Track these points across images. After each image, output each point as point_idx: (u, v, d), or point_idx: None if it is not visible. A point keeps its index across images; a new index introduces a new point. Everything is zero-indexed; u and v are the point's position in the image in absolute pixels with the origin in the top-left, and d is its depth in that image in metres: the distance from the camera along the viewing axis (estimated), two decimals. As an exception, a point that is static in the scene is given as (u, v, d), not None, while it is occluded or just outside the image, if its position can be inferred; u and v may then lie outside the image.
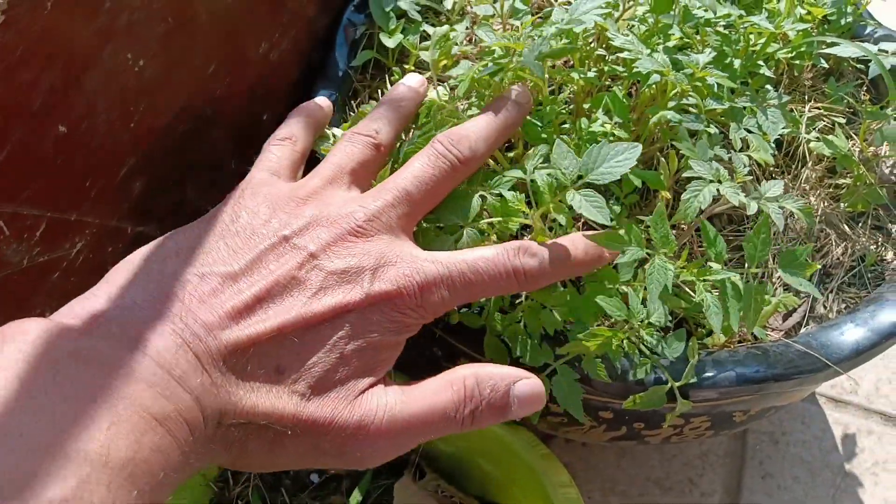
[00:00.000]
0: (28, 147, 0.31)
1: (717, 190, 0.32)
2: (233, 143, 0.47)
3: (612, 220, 0.31)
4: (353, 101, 0.50)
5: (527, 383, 0.32)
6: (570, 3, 0.45)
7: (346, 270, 0.31)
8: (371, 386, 0.31)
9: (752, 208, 0.32)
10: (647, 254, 0.32)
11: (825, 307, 0.43)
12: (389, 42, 0.49)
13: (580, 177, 0.33)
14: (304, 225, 0.32)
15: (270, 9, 0.46)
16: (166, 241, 0.32)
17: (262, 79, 0.48)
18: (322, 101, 0.43)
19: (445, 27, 0.44)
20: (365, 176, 0.37)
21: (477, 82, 0.40)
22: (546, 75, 0.40)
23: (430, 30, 0.48)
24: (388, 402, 0.31)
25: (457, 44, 0.43)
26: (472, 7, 0.52)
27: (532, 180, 0.33)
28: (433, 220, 0.36)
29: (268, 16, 0.46)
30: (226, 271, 0.30)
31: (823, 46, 0.45)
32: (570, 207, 0.32)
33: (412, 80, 0.42)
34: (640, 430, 0.43)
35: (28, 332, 0.25)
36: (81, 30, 0.32)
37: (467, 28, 0.50)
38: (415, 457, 0.51)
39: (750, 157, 0.38)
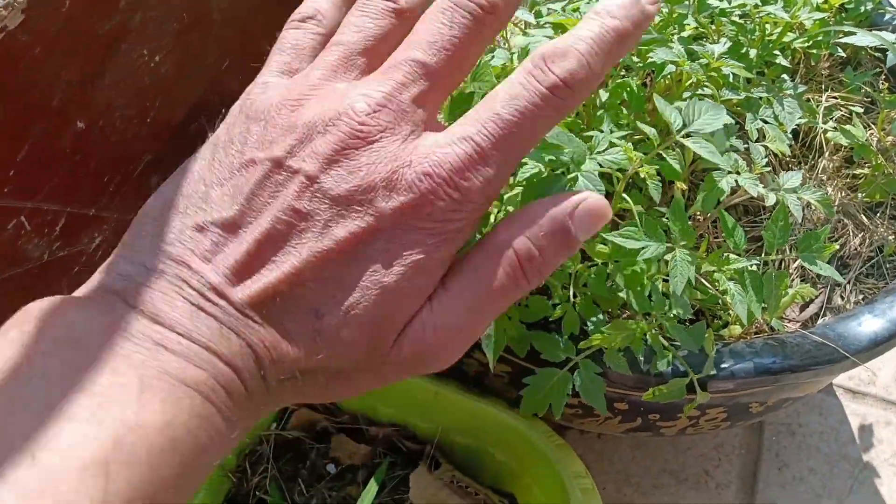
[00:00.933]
0: (47, 143, 0.32)
1: (735, 181, 0.32)
2: (247, 137, 0.47)
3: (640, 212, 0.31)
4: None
5: (584, 210, 0.26)
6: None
7: (354, 191, 0.25)
8: (421, 307, 0.27)
9: (771, 200, 0.32)
10: (668, 247, 0.32)
11: (842, 298, 0.43)
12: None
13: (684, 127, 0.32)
14: (297, 139, 0.26)
15: (280, 4, 0.46)
16: (168, 190, 0.28)
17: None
18: None
19: None
20: (387, 54, 0.29)
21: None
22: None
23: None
24: (434, 316, 0.26)
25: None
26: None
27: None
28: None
29: (276, 9, 0.46)
30: (223, 218, 0.26)
31: (840, 36, 0.45)
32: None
33: None
34: (656, 421, 0.43)
35: (61, 313, 0.23)
36: (98, 27, 0.32)
37: None
38: (430, 448, 0.51)
39: (766, 148, 0.37)
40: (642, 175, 0.32)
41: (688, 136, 0.31)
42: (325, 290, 0.26)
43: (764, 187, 0.34)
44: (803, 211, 0.37)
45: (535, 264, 0.26)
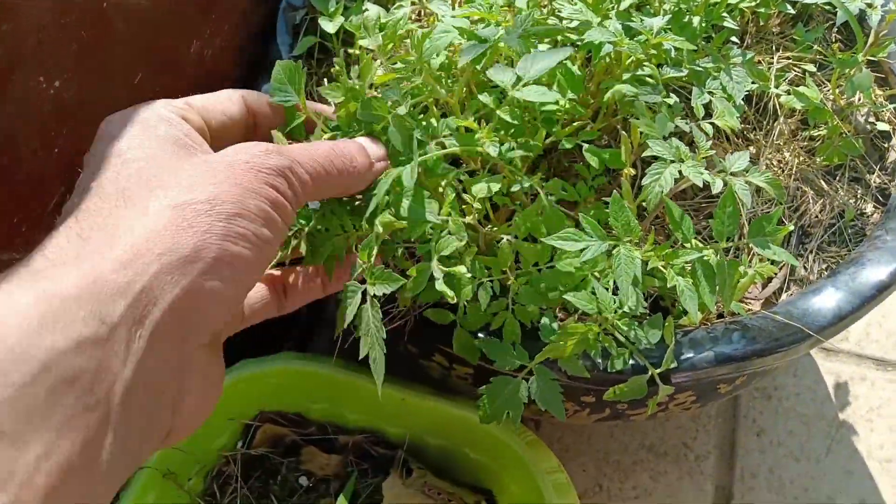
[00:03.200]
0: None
1: (679, 171, 0.30)
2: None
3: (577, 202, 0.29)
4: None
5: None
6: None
7: None
8: None
9: (718, 186, 0.30)
10: (611, 244, 0.30)
11: (805, 269, 0.42)
12: (329, 27, 0.46)
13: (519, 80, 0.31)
14: None
15: (197, 7, 0.43)
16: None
17: (198, 79, 0.45)
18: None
19: (401, 12, 0.40)
20: None
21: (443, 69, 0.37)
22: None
23: (372, 10, 0.45)
24: None
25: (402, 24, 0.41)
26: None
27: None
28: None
29: (195, 14, 0.43)
30: None
31: (788, -7, 0.43)
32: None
33: None
34: (624, 410, 0.42)
35: None
36: (-18, 59, 0.30)
37: (413, 3, 0.48)
38: (401, 453, 0.50)
39: (714, 125, 0.35)
40: (482, 140, 0.31)
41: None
42: None
43: (710, 172, 0.32)
44: (753, 195, 0.36)
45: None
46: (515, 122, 0.32)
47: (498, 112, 0.33)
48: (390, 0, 0.51)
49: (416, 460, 0.50)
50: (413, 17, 0.50)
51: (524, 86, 0.31)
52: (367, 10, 0.40)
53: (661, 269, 0.31)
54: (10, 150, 0.33)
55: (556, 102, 0.35)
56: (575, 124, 0.37)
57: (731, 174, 0.31)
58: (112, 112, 0.30)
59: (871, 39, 0.44)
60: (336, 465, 0.51)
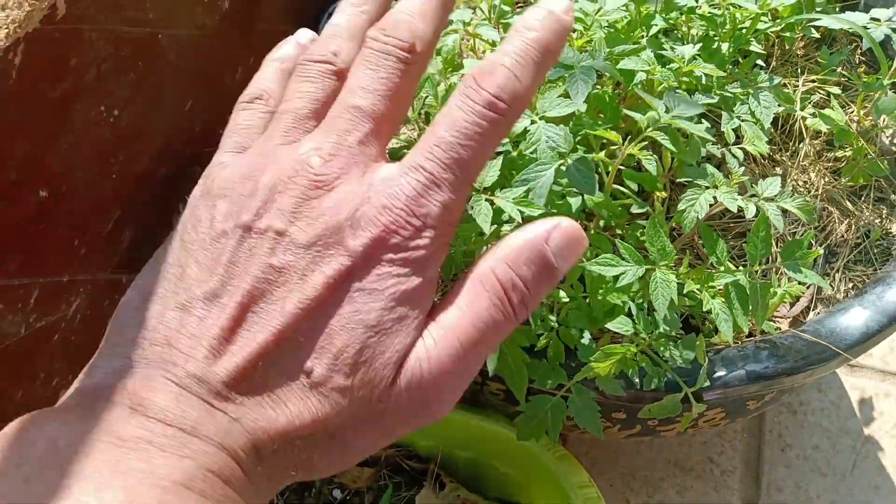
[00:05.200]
0: (8, 218, 0.31)
1: (714, 197, 0.31)
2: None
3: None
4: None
5: (558, 235, 0.27)
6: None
7: (321, 235, 0.26)
8: (414, 342, 0.27)
9: (751, 211, 0.32)
10: (647, 269, 0.31)
11: (832, 287, 0.43)
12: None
13: None
14: (261, 202, 0.27)
15: (240, 33, 0.45)
16: (143, 280, 0.29)
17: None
18: (303, 36, 0.35)
19: (452, 37, 0.42)
20: None
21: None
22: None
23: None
24: (428, 351, 0.26)
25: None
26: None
27: None
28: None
29: (238, 42, 0.45)
30: (204, 291, 0.26)
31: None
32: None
33: None
34: (655, 426, 0.43)
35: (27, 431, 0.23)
36: (49, 92, 0.32)
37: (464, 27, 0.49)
38: (433, 466, 0.51)
39: (743, 150, 0.37)
40: (634, 153, 0.32)
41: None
42: (311, 342, 0.26)
43: (742, 196, 0.33)
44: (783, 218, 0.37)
45: (520, 294, 0.27)
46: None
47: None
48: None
49: (447, 473, 0.52)
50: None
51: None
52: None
53: (696, 292, 0.32)
54: (70, 176, 0.34)
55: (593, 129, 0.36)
56: (612, 148, 0.39)
57: (764, 199, 0.32)
58: (166, 135, 0.32)
59: (895, 64, 0.45)
60: (369, 478, 0.52)
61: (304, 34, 0.35)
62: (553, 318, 0.34)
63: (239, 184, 0.28)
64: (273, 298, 0.26)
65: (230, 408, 0.25)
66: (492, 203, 0.32)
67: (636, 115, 0.34)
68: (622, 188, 0.38)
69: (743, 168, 0.34)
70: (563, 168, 0.32)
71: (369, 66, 0.28)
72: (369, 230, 0.26)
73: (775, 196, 0.32)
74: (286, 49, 0.35)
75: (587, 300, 0.34)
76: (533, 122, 0.33)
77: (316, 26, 0.51)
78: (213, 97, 0.44)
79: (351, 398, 0.26)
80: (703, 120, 0.38)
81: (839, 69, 0.48)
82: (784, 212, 0.43)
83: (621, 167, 0.38)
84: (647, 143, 0.41)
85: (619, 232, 0.37)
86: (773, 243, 0.42)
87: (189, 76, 0.41)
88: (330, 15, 0.51)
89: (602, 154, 0.38)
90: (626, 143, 0.41)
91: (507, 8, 0.44)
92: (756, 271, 0.33)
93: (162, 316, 0.26)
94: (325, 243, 0.26)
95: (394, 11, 0.30)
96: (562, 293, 0.35)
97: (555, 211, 0.34)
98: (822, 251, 0.39)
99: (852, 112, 0.48)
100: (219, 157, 0.31)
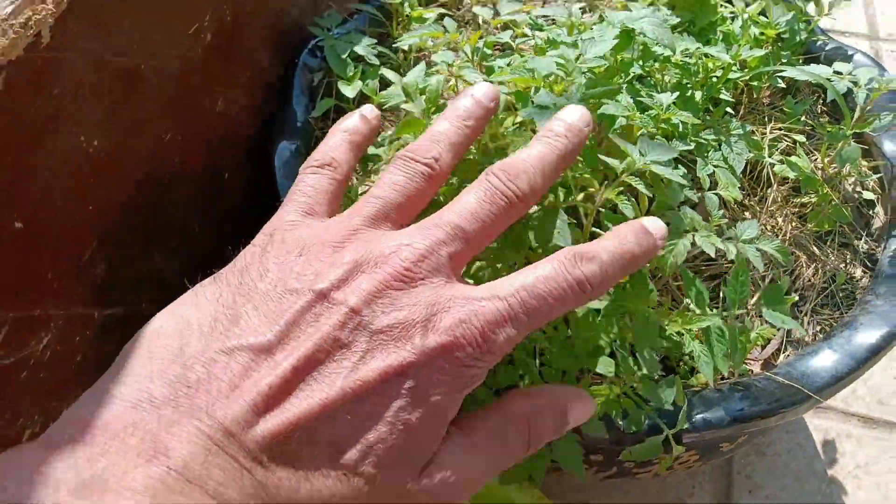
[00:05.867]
0: (-18, 250, 0.30)
1: (693, 239, 0.32)
2: (195, 205, 0.46)
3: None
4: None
5: (580, 407, 0.31)
6: (527, 39, 0.45)
7: (394, 326, 0.27)
8: (438, 450, 0.28)
9: (732, 253, 0.32)
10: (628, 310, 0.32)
11: (801, 331, 0.44)
12: (348, 91, 0.48)
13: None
14: (342, 275, 0.28)
15: (220, 63, 0.45)
16: (185, 311, 0.28)
17: (219, 137, 0.47)
18: (369, 111, 0.37)
19: (436, 78, 0.42)
20: (414, 212, 0.32)
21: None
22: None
23: (389, 75, 0.47)
24: (455, 465, 0.28)
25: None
26: (429, 50, 0.51)
27: None
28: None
29: (218, 70, 0.45)
30: (258, 343, 0.26)
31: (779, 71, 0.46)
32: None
33: (481, 91, 0.35)
34: (631, 468, 0.43)
35: (19, 469, 0.22)
36: (29, 119, 0.31)
37: (447, 68, 0.50)
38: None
39: (718, 195, 0.38)
40: (610, 197, 0.33)
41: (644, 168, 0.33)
42: (351, 424, 0.26)
43: (721, 239, 0.34)
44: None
45: (538, 436, 0.30)
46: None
47: None
48: (402, 65, 0.53)
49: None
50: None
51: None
52: (398, 78, 0.42)
53: (675, 335, 0.33)
54: (46, 206, 0.34)
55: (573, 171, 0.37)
56: (589, 190, 0.39)
57: (742, 241, 0.33)
58: (145, 162, 0.32)
59: (857, 115, 0.47)
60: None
61: (369, 110, 0.37)
62: (535, 361, 0.35)
63: (319, 249, 0.29)
64: (327, 370, 0.26)
65: (258, 471, 0.24)
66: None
67: (612, 162, 0.34)
68: (600, 231, 0.39)
69: (722, 211, 0.35)
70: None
71: (485, 200, 0.30)
72: (442, 336, 0.27)
73: (753, 238, 0.33)
74: (353, 121, 0.37)
75: (570, 340, 0.34)
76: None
77: (294, 58, 0.51)
78: (192, 127, 0.43)
79: (372, 488, 0.26)
80: (678, 166, 0.39)
81: (803, 118, 0.50)
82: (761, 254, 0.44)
83: (600, 209, 0.39)
84: (623, 187, 0.42)
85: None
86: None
87: (169, 105, 0.40)
88: (311, 52, 0.52)
89: (580, 197, 0.39)
90: (603, 186, 0.42)
91: (488, 51, 0.46)
92: (734, 315, 0.34)
93: (201, 354, 0.26)
94: (395, 335, 0.27)
95: (521, 158, 0.32)
96: (544, 334, 0.35)
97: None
98: (795, 297, 0.40)
99: (817, 160, 0.50)
100: (287, 215, 0.32)
